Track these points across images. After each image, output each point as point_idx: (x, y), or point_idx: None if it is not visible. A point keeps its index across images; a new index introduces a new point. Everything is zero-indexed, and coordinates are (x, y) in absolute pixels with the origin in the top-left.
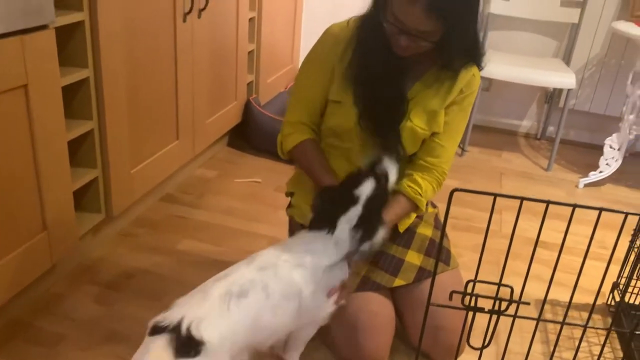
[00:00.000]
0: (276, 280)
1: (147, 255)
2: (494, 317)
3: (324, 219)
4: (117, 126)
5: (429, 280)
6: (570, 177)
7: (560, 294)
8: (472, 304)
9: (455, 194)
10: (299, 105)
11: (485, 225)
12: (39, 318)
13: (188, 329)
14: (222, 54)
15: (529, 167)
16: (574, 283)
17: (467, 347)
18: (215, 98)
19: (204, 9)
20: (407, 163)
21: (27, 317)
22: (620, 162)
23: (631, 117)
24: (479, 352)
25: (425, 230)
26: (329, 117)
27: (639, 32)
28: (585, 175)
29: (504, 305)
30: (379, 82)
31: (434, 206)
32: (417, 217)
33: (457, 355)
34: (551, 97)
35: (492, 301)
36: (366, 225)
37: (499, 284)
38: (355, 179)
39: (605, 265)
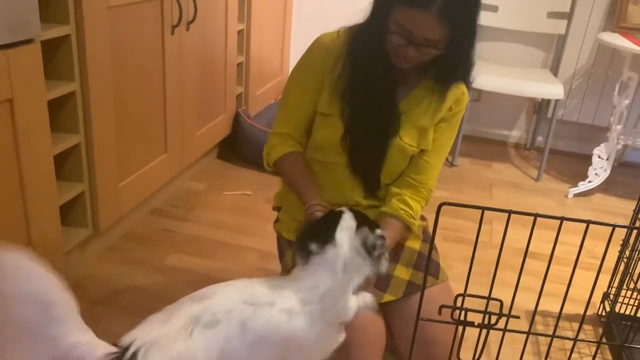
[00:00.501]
0: (258, 314)
1: (136, 271)
2: (484, 331)
3: (314, 236)
4: (105, 139)
5: (419, 295)
6: (560, 187)
7: (550, 304)
8: (462, 318)
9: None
10: (287, 116)
11: (472, 237)
12: None
13: (134, 354)
14: (210, 66)
15: (518, 178)
16: (564, 293)
17: None
18: (204, 110)
19: (192, 21)
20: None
21: None
22: (609, 172)
23: (619, 127)
24: None
25: (414, 244)
26: (317, 130)
27: (625, 43)
28: (575, 185)
29: (493, 319)
30: (371, 96)
31: (423, 219)
32: None
33: None
34: (540, 107)
35: (482, 315)
36: (364, 222)
37: (489, 298)
38: (330, 214)
39: (595, 274)
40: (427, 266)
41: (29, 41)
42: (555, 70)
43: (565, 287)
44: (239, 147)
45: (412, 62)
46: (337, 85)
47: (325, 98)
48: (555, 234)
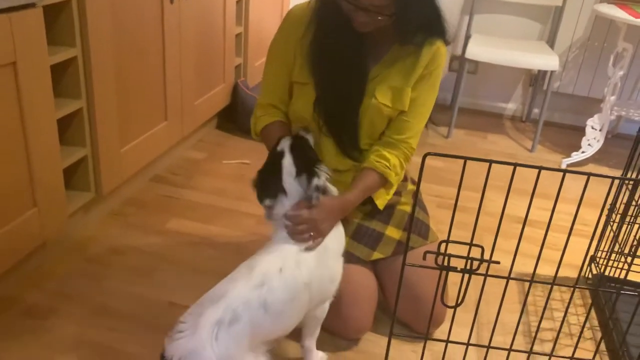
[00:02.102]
0: (274, 291)
1: (137, 234)
2: (467, 276)
3: (269, 188)
4: (106, 105)
5: (408, 253)
6: (554, 157)
7: (540, 268)
8: (445, 263)
9: (441, 174)
10: (268, 87)
11: (471, 204)
12: (30, 293)
13: None
14: (209, 36)
15: (513, 149)
16: (551, 257)
17: (445, 318)
18: (203, 80)
19: None
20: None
21: (19, 292)
22: (602, 142)
23: (612, 98)
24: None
25: (405, 207)
26: (294, 99)
27: (620, 14)
28: (568, 155)
29: (475, 265)
30: (339, 61)
31: (414, 183)
32: (395, 194)
33: (431, 318)
34: (536, 79)
35: (464, 261)
36: (305, 167)
37: (470, 244)
38: (275, 147)
39: (584, 240)
40: (413, 215)
41: (31, 5)
42: (551, 42)
43: (552, 251)
44: (237, 118)
45: (368, 27)
46: (307, 52)
47: (299, 67)
48: (551, 203)
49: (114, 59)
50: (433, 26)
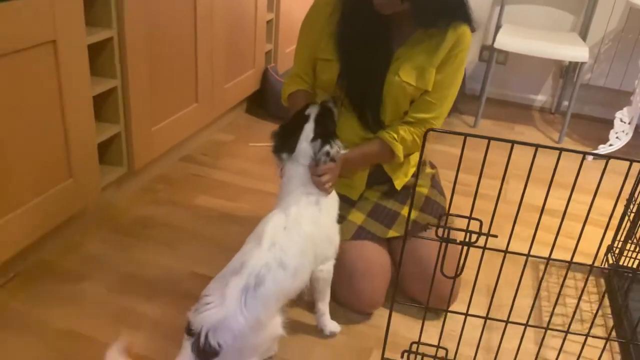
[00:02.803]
0: (285, 249)
1: (165, 208)
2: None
3: (286, 143)
4: (139, 85)
5: (422, 233)
6: (581, 149)
7: (555, 254)
8: (445, 235)
9: (463, 162)
10: (297, 60)
11: (490, 192)
12: (63, 259)
13: (206, 337)
14: (241, 22)
15: (540, 140)
16: (568, 246)
17: (457, 298)
18: (233, 65)
19: None
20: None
21: (53, 258)
22: (630, 135)
23: None
24: (468, 300)
25: (422, 189)
26: (319, 75)
27: None
28: (595, 148)
29: (474, 238)
30: (364, 41)
31: (433, 167)
32: (413, 176)
33: (430, 288)
34: (566, 71)
35: (464, 233)
36: (322, 135)
37: (469, 217)
38: (304, 109)
39: (602, 230)
40: (414, 191)
41: None
42: (584, 34)
43: (570, 239)
44: (266, 103)
45: (386, 9)
46: (334, 31)
47: (324, 44)
48: (575, 194)
49: (148, 40)
50: (456, 12)
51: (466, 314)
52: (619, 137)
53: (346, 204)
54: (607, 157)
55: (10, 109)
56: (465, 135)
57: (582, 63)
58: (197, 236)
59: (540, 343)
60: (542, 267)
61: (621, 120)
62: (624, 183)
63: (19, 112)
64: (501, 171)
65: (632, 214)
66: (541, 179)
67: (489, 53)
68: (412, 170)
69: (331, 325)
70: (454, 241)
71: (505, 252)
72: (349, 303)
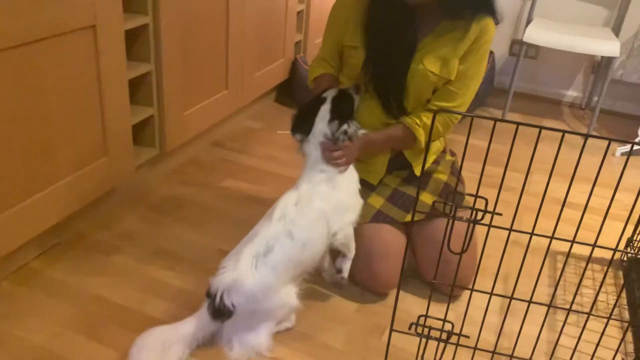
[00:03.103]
0: (294, 221)
1: (194, 189)
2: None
3: (302, 124)
4: (172, 71)
5: (440, 219)
6: (610, 145)
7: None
8: (452, 212)
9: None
10: (323, 45)
11: (515, 185)
12: (98, 232)
13: (221, 298)
14: (271, 12)
15: (568, 135)
16: (590, 239)
17: (470, 283)
18: (263, 54)
19: None
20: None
21: (88, 231)
22: None
23: None
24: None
25: (441, 176)
26: (345, 61)
27: None
28: (624, 144)
29: (479, 216)
30: (390, 29)
31: (453, 154)
32: (434, 163)
33: (439, 261)
34: (598, 67)
35: (470, 212)
36: (338, 117)
37: (476, 196)
38: (322, 93)
39: (623, 225)
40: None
41: None
42: (617, 29)
43: (591, 233)
44: (295, 92)
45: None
46: (361, 18)
47: (351, 31)
48: (597, 188)
49: (182, 28)
50: (481, 4)
51: (489, 293)
52: None
53: (366, 188)
54: (632, 142)
55: (55, 90)
56: (473, 116)
57: (613, 58)
58: (223, 216)
59: (562, 328)
60: (560, 257)
61: None
62: None
63: (62, 93)
64: (526, 164)
65: None
66: (567, 173)
67: (519, 47)
68: (433, 157)
69: (346, 271)
70: (460, 218)
71: (510, 230)
72: (365, 283)
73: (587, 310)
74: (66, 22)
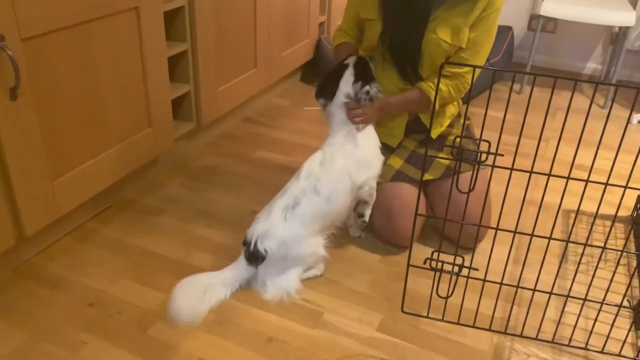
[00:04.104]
0: (319, 178)
1: (229, 160)
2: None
3: (326, 89)
4: (206, 49)
5: (456, 177)
6: (625, 114)
7: (586, 205)
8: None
9: (507, 125)
10: (345, 17)
11: (529, 151)
12: (144, 197)
13: (255, 244)
14: None
15: (585, 105)
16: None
17: (485, 236)
18: (289, 34)
19: None
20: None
21: (135, 196)
22: None
23: None
24: (492, 239)
25: (455, 142)
26: (366, 33)
27: None
28: None
29: (483, 157)
30: (404, 2)
31: (468, 118)
32: (449, 126)
33: (448, 201)
34: (616, 38)
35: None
36: (362, 78)
37: (480, 139)
38: (343, 60)
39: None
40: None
41: None
42: (635, 0)
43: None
44: (319, 71)
45: None
46: None
47: (369, 5)
48: (614, 154)
49: (214, 10)
50: None
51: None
52: None
53: (386, 151)
54: (638, 87)
55: (105, 67)
56: (474, 67)
57: (629, 28)
58: (256, 182)
59: (574, 277)
60: (572, 215)
61: None
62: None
63: (112, 69)
64: (544, 133)
65: None
66: (585, 141)
67: (537, 22)
68: (447, 121)
69: (367, 215)
70: (466, 160)
71: (511, 169)
72: (387, 238)
73: (598, 263)
74: (114, 3)
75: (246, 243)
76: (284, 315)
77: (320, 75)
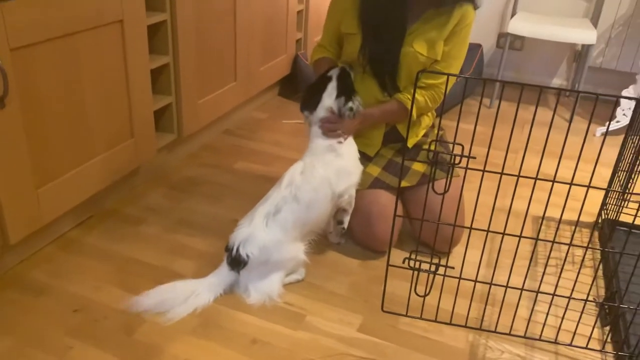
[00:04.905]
0: (300, 187)
1: (210, 170)
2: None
3: (310, 102)
4: (188, 62)
5: (431, 183)
6: (590, 127)
7: (551, 212)
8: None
9: (479, 137)
10: (325, 33)
11: (499, 161)
12: (126, 207)
13: (237, 250)
14: (274, 11)
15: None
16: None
17: (459, 241)
18: (267, 49)
19: None
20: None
21: (116, 206)
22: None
23: None
24: (467, 240)
25: (430, 147)
26: (345, 47)
27: None
28: (604, 125)
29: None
30: (383, 16)
31: (442, 129)
32: (423, 136)
33: (425, 203)
34: (579, 55)
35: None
36: (345, 92)
37: (454, 143)
38: (327, 72)
39: (600, 194)
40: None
41: None
42: (595, 19)
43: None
44: (297, 85)
45: None
46: (357, 8)
47: (348, 20)
48: (582, 164)
49: (195, 24)
50: None
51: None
52: (625, 114)
53: (364, 159)
54: (596, 94)
55: (91, 77)
56: (449, 75)
57: (591, 46)
58: (237, 192)
59: (543, 273)
60: (540, 220)
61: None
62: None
63: (97, 80)
64: (511, 145)
65: (622, 173)
66: (550, 152)
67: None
68: (423, 131)
69: (346, 222)
70: (442, 163)
71: (483, 171)
72: (365, 242)
73: (565, 261)
74: (100, 15)
75: (228, 249)
76: (267, 318)
77: (298, 89)
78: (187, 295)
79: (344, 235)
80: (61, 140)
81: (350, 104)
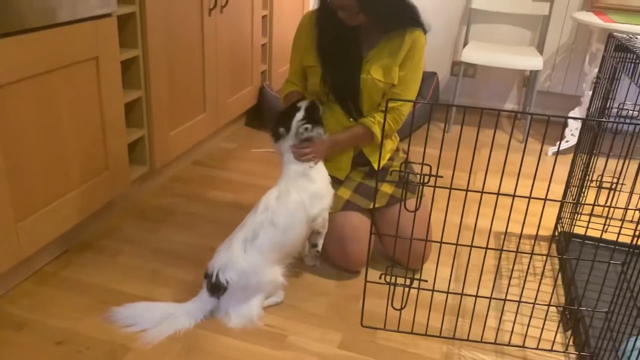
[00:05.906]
0: (276, 212)
1: (183, 200)
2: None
3: (278, 131)
4: (159, 96)
5: (399, 204)
6: (542, 147)
7: (513, 229)
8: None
9: (443, 160)
10: (291, 69)
11: (461, 182)
12: (101, 239)
13: (216, 276)
14: (240, 44)
15: (506, 141)
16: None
17: (429, 258)
18: (235, 81)
19: (225, 5)
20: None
21: (91, 239)
22: None
23: (589, 92)
24: (437, 254)
25: (396, 169)
26: (309, 79)
27: (593, 19)
28: (555, 145)
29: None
30: (339, 48)
31: (405, 153)
32: (389, 159)
33: (398, 221)
34: (528, 80)
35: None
36: (310, 121)
37: (422, 163)
38: (297, 102)
39: (554, 209)
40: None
41: (108, 15)
42: (541, 47)
43: (518, 215)
44: (263, 115)
45: (351, 21)
46: (315, 42)
47: (309, 54)
48: (537, 182)
49: (166, 59)
50: (408, 21)
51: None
52: (573, 134)
53: (335, 183)
54: (548, 116)
55: (67, 112)
56: (414, 102)
57: (538, 71)
58: (210, 220)
59: (509, 281)
60: (502, 236)
61: (574, 120)
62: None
63: (73, 115)
64: (475, 167)
65: (574, 188)
66: (507, 171)
67: (458, 67)
68: (388, 154)
69: (320, 245)
70: (412, 182)
71: (450, 188)
72: (339, 263)
73: (527, 272)
74: (75, 53)
75: (208, 275)
76: (250, 340)
77: (264, 119)
78: (164, 316)
79: (319, 258)
80: (40, 174)
81: (307, 125)
